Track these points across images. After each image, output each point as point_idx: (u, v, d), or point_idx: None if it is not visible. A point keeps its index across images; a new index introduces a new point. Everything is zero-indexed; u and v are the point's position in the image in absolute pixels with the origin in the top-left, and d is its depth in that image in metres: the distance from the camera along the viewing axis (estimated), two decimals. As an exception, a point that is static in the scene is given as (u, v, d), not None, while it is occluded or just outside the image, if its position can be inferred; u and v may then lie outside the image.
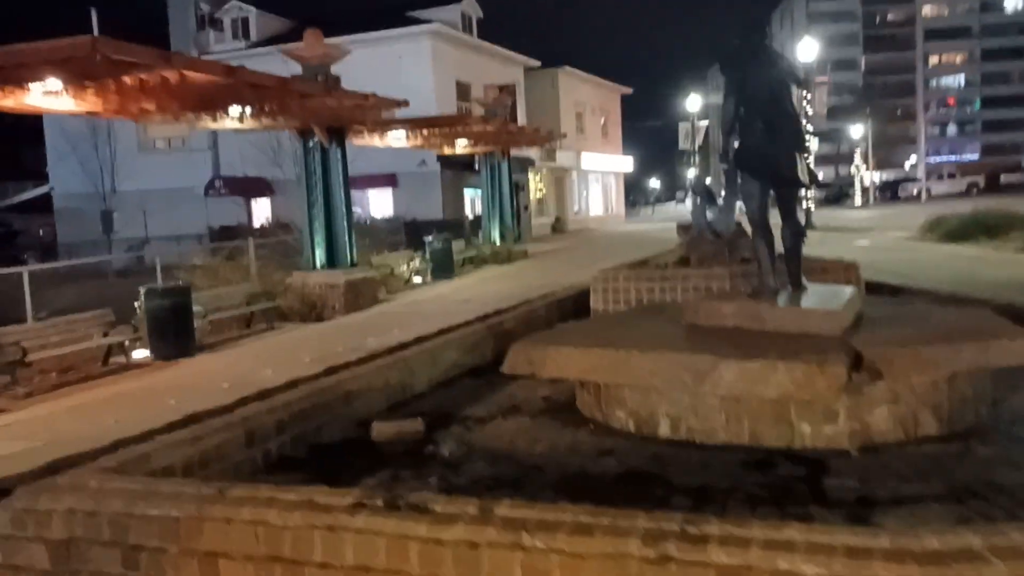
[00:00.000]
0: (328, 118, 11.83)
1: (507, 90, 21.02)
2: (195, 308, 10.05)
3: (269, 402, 4.20)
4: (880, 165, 70.82)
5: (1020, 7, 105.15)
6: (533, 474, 3.63)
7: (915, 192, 57.04)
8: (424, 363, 5.51)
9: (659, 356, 3.78)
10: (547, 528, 2.32)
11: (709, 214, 8.50)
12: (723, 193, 8.87)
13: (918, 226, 17.88)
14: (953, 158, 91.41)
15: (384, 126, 13.73)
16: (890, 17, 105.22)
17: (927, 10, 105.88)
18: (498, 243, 19.79)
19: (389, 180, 23.87)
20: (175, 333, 9.52)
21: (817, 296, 4.48)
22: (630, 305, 7.63)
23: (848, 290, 4.65)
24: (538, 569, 2.27)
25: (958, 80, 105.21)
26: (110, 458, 3.33)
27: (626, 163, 42.49)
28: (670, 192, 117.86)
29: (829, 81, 32.13)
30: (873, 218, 30.74)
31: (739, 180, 4.67)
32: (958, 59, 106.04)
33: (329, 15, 27.10)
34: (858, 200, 52.93)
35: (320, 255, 13.21)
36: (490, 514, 2.43)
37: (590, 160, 36.33)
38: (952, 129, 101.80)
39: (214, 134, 23.60)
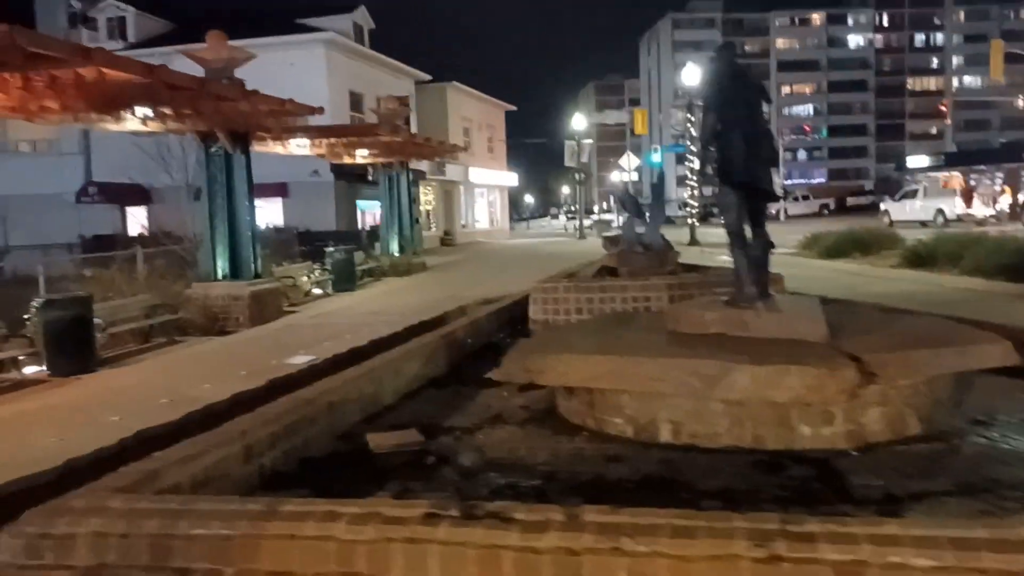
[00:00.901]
0: (236, 123, 11.41)
1: (403, 102, 20.88)
2: (95, 320, 9.43)
3: (259, 415, 3.97)
4: (741, 187, 74.70)
5: (862, 43, 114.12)
6: (550, 482, 3.61)
7: (774, 212, 60.44)
8: (390, 374, 5.37)
9: (667, 362, 3.85)
10: (646, 532, 2.31)
11: (638, 228, 8.74)
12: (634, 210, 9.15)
13: (795, 243, 18.98)
14: (803, 181, 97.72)
15: (289, 133, 13.34)
16: (747, 48, 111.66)
17: (780, 43, 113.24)
18: (397, 255, 19.57)
19: (280, 190, 23.18)
20: (75, 347, 8.94)
21: (790, 304, 4.69)
22: (570, 316, 7.72)
23: (813, 299, 4.89)
24: (645, 574, 2.26)
25: (808, 109, 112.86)
26: (115, 477, 3.06)
27: (511, 178, 43.00)
28: (543, 208, 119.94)
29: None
30: (745, 236, 32.33)
31: (718, 192, 4.82)
32: (807, 90, 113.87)
33: (213, 19, 26.06)
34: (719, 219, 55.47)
35: (222, 265, 12.71)
36: (579, 520, 2.40)
37: (477, 175, 36.60)
38: (802, 154, 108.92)
39: (86, 137, 22.23)
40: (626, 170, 32.24)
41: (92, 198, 23.31)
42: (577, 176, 36.18)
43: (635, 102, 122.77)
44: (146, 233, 20.71)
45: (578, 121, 33.12)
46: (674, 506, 2.89)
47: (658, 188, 9.00)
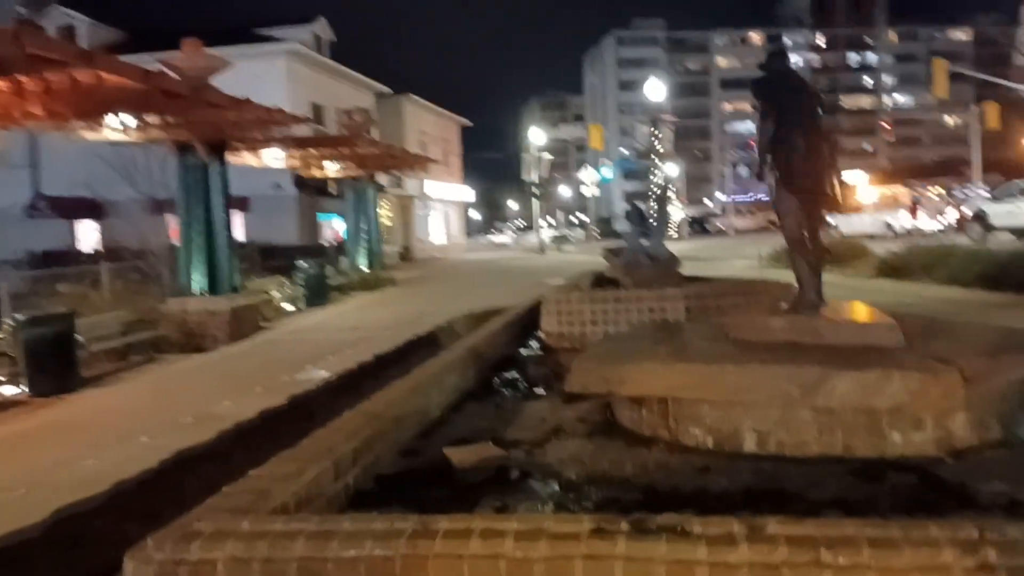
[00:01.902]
0: (215, 132, 11.08)
1: (368, 114, 20.59)
2: (77, 338, 9.03)
3: (336, 431, 3.77)
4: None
5: (800, 63, 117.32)
6: (651, 495, 3.49)
7: (722, 227, 61.63)
8: (436, 388, 5.19)
9: (759, 370, 3.77)
10: (843, 544, 2.22)
11: (643, 240, 8.70)
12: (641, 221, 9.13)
13: (760, 255, 19.25)
14: (742, 197, 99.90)
15: (266, 144, 13.02)
16: (690, 66, 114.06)
17: (721, 61, 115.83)
18: (365, 270, 19.25)
19: (240, 203, 22.62)
20: (57, 366, 8.54)
21: (852, 311, 4.68)
22: (584, 327, 7.63)
23: (870, 307, 4.88)
24: (853, 586, 2.17)
25: (748, 126, 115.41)
26: (223, 498, 2.84)
27: (467, 193, 42.90)
28: (490, 224, 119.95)
29: (675, 119, 34.08)
30: (700, 249, 32.75)
31: (776, 197, 4.78)
32: (748, 107, 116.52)
33: (166, 29, 25.46)
34: (674, 234, 56.33)
35: (199, 280, 12.31)
36: (764, 532, 2.30)
37: (434, 189, 36.39)
38: (743, 170, 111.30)
39: (34, 150, 21.38)
40: (586, 184, 32.40)
41: (42, 212, 22.40)
42: (535, 190, 36.29)
43: (579, 118, 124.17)
44: (101, 248, 20.01)
45: (535, 135, 33.22)
46: (795, 515, 2.81)
47: (661, 200, 8.99)
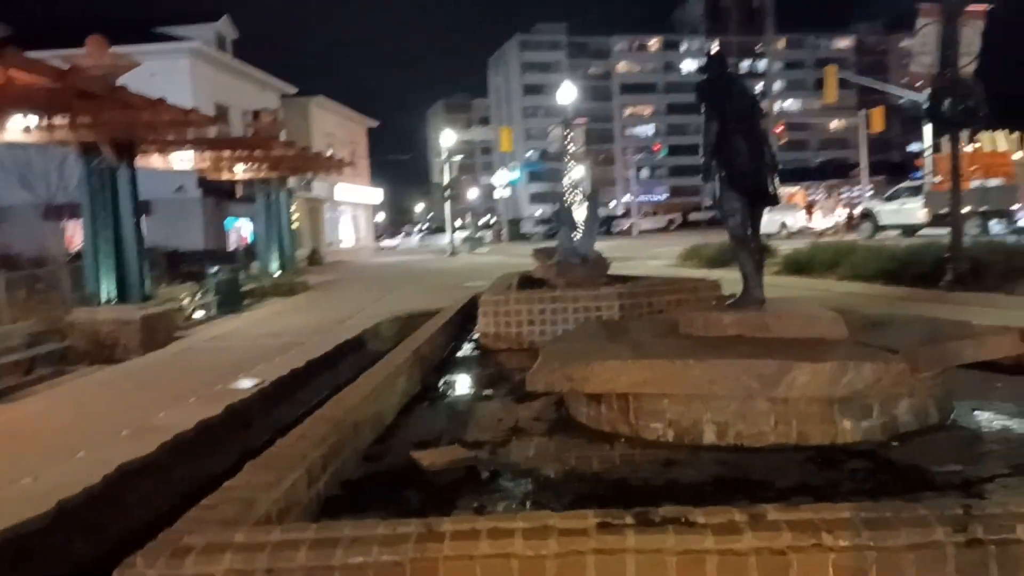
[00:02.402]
0: (125, 133, 10.62)
1: (276, 115, 20.07)
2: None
3: (302, 437, 3.67)
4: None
5: (695, 68, 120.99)
6: (627, 490, 3.55)
7: (627, 227, 62.94)
8: (387, 392, 5.12)
9: (719, 364, 3.89)
10: (842, 526, 2.31)
11: (573, 239, 8.82)
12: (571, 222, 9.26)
13: (675, 254, 19.78)
14: (646, 198, 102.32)
15: (177, 146, 12.54)
16: (592, 71, 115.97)
17: (621, 67, 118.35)
18: (277, 275, 18.78)
19: (142, 207, 21.69)
20: (-39, 380, 8.02)
21: (794, 306, 4.87)
22: (521, 328, 7.68)
23: (805, 301, 5.09)
24: (853, 568, 2.26)
25: (648, 130, 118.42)
26: (206, 510, 2.73)
27: (376, 195, 42.40)
28: (395, 227, 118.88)
29: (586, 123, 34.61)
30: (611, 249, 33.38)
31: (720, 197, 4.93)
32: (648, 111, 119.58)
33: (57, 26, 24.21)
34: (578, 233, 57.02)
35: (107, 288, 11.77)
36: (765, 518, 2.38)
37: (343, 191, 35.81)
38: (645, 172, 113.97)
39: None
40: (498, 186, 32.53)
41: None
42: (446, 192, 36.20)
43: (484, 121, 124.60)
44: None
45: (446, 137, 33.15)
46: (769, 502, 2.91)
47: (592, 200, 9.15)
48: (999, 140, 27.45)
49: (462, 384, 6.20)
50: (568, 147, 22.95)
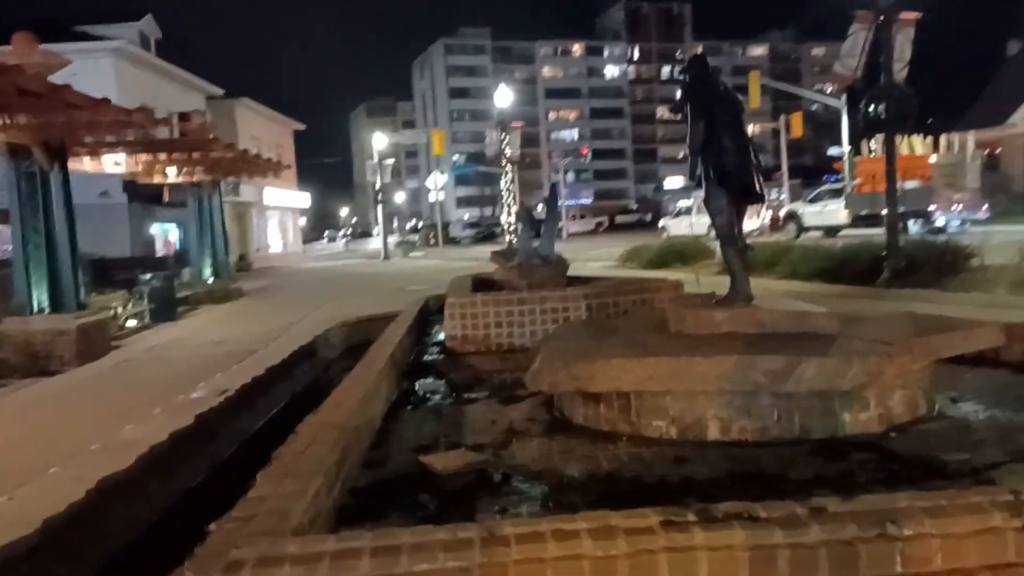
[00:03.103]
0: (62, 134, 10.14)
1: (206, 116, 19.45)
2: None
3: (319, 444, 3.53)
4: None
5: (617, 74, 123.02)
6: (645, 488, 3.54)
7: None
8: (376, 397, 5.00)
9: (727, 360, 3.92)
10: (905, 515, 2.35)
11: (534, 241, 8.81)
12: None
13: (614, 256, 20.00)
14: (573, 201, 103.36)
15: (111, 148, 12.02)
16: (517, 75, 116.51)
17: (546, 71, 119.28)
18: (211, 281, 18.22)
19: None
20: None
21: (782, 303, 4.96)
22: (489, 330, 7.61)
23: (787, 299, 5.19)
24: (918, 556, 2.29)
25: (573, 134, 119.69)
26: (240, 522, 2.59)
27: (304, 199, 41.61)
28: (319, 231, 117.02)
29: (523, 126, 34.68)
30: (544, 253, 33.59)
31: (706, 197, 4.98)
32: (572, 116, 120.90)
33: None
34: (509, 237, 57.31)
35: (39, 296, 11.23)
36: (826, 512, 2.40)
37: (271, 195, 35.02)
38: (571, 176, 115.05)
39: None
40: (432, 189, 32.34)
41: None
42: (379, 196, 35.74)
43: (409, 124, 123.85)
44: None
45: (378, 140, 32.75)
46: (789, 496, 2.95)
47: (551, 201, 9.16)
48: (916, 144, 28.69)
49: (440, 388, 6.10)
50: (505, 150, 23.00)
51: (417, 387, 6.15)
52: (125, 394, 8.13)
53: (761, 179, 5.01)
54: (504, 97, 25.59)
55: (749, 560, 2.27)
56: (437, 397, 5.76)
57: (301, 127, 41.84)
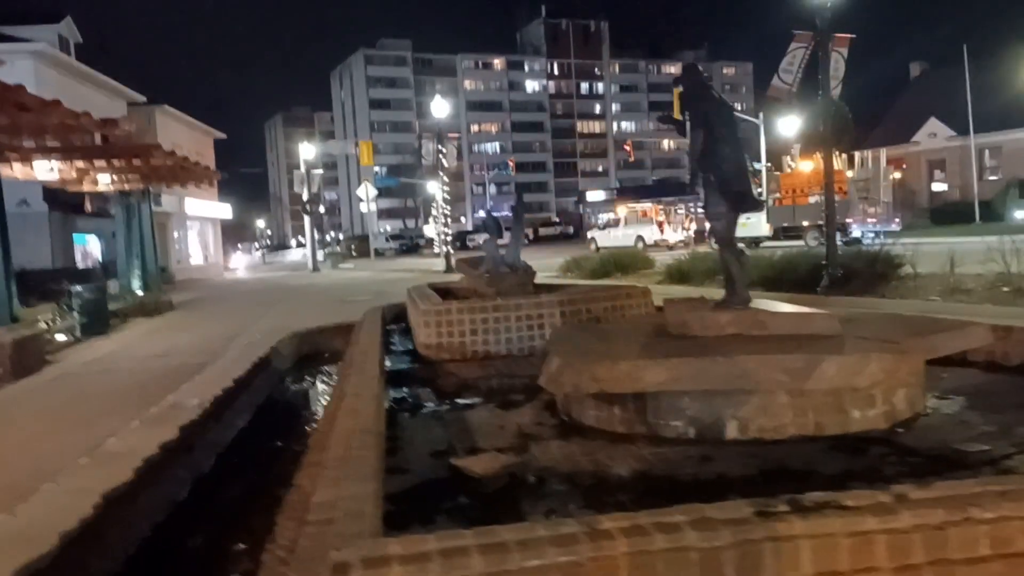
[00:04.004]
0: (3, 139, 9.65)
1: (133, 122, 18.76)
2: None
3: (368, 449, 3.45)
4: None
5: (538, 88, 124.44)
6: (682, 486, 3.59)
7: (481, 241, 63.51)
8: (381, 405, 4.90)
9: (747, 360, 4.02)
10: (983, 500, 2.45)
11: (501, 249, 8.83)
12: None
13: (554, 267, 20.16)
14: (496, 214, 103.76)
15: (45, 153, 11.48)
16: (438, 87, 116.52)
17: (467, 84, 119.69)
18: (140, 293, 17.54)
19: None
20: None
21: (782, 306, 5.12)
22: (464, 338, 7.58)
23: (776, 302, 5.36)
24: (1003, 538, 2.40)
25: (495, 147, 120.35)
26: (321, 525, 2.51)
27: (225, 210, 40.53)
28: (232, 243, 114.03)
29: (458, 138, 34.61)
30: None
31: (705, 203, 5.10)
32: (494, 128, 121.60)
33: None
34: (437, 249, 57.09)
35: (-31, 309, 10.64)
36: (908, 499, 2.49)
37: (192, 206, 33.98)
38: (492, 189, 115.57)
39: None
40: (364, 200, 31.99)
41: None
42: (307, 207, 35.09)
43: (327, 134, 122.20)
44: None
45: (306, 150, 32.17)
46: (831, 489, 3.04)
47: (517, 209, 9.20)
48: (833, 159, 29.92)
49: (429, 395, 6.04)
50: (442, 161, 22.90)
51: (406, 395, 6.08)
52: (75, 409, 7.77)
53: (756, 185, 5.17)
54: (440, 108, 25.55)
55: (849, 547, 2.34)
56: (431, 404, 5.70)
57: (222, 136, 40.81)
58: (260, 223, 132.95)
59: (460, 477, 3.79)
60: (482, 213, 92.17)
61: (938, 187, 46.64)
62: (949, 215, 38.91)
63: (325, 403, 8.20)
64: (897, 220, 30.20)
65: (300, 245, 79.74)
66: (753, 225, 30.20)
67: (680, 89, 5.30)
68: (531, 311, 7.63)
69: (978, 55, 40.51)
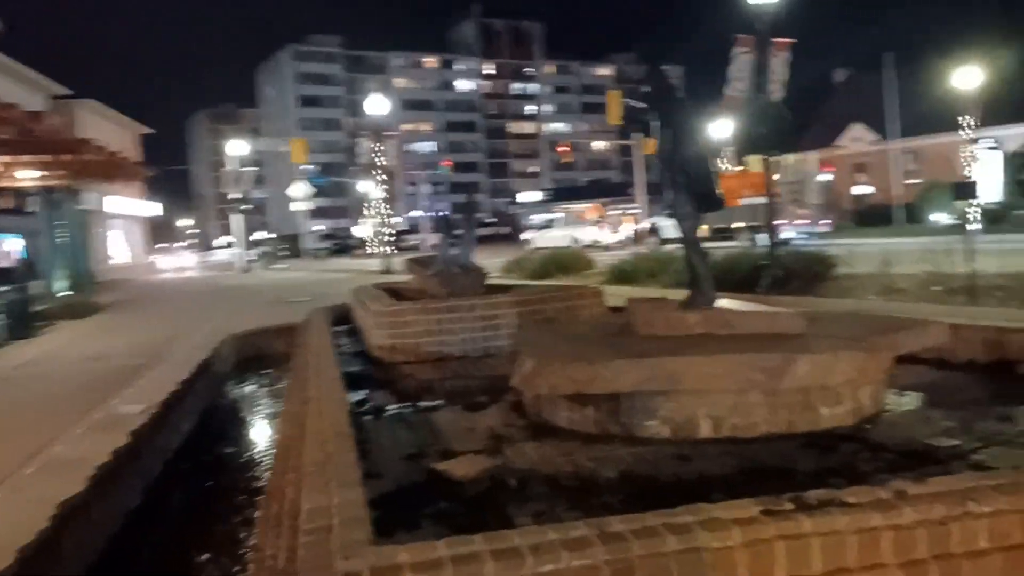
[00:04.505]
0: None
1: (59, 116, 18.02)
2: None
3: (348, 452, 3.34)
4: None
5: (471, 88, 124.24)
6: (667, 486, 3.58)
7: (416, 242, 63.12)
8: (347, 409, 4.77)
9: (724, 359, 4.04)
10: (978, 495, 2.51)
11: (453, 249, 8.73)
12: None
13: (495, 267, 20.13)
14: (431, 214, 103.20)
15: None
16: (370, 85, 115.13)
17: (399, 82, 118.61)
18: (66, 295, 16.83)
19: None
20: None
21: (743, 304, 5.17)
22: (419, 339, 7.47)
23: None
24: (1002, 531, 2.45)
25: (429, 146, 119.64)
26: (320, 534, 2.40)
27: (153, 208, 39.27)
28: (155, 243, 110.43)
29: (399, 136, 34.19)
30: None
31: (673, 203, 5.12)
32: (427, 128, 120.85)
33: None
34: (370, 249, 56.46)
35: None
36: (906, 495, 2.53)
37: (115, 203, 32.79)
38: (427, 188, 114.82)
39: None
40: (297, 199, 31.30)
41: None
42: (241, 207, 34.21)
43: (254, 132, 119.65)
44: None
45: (237, 147, 31.29)
46: (813, 486, 3.08)
47: (468, 209, 9.12)
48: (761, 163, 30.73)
49: (390, 398, 5.91)
50: (377, 160, 22.56)
51: (365, 398, 5.94)
52: (11, 416, 7.38)
53: (720, 185, 5.22)
54: (377, 106, 25.23)
55: (857, 543, 2.35)
56: (393, 407, 5.58)
57: (150, 131, 39.50)
58: (186, 222, 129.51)
59: (438, 481, 3.71)
60: (416, 213, 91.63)
61: (862, 190, 48.30)
62: (872, 217, 40.36)
63: (276, 407, 8.00)
64: (826, 222, 31.18)
65: (228, 245, 77.80)
66: (687, 226, 30.75)
67: (647, 90, 5.30)
68: (486, 312, 7.57)
69: (899, 63, 42.11)
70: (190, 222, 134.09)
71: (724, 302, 5.12)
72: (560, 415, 4.60)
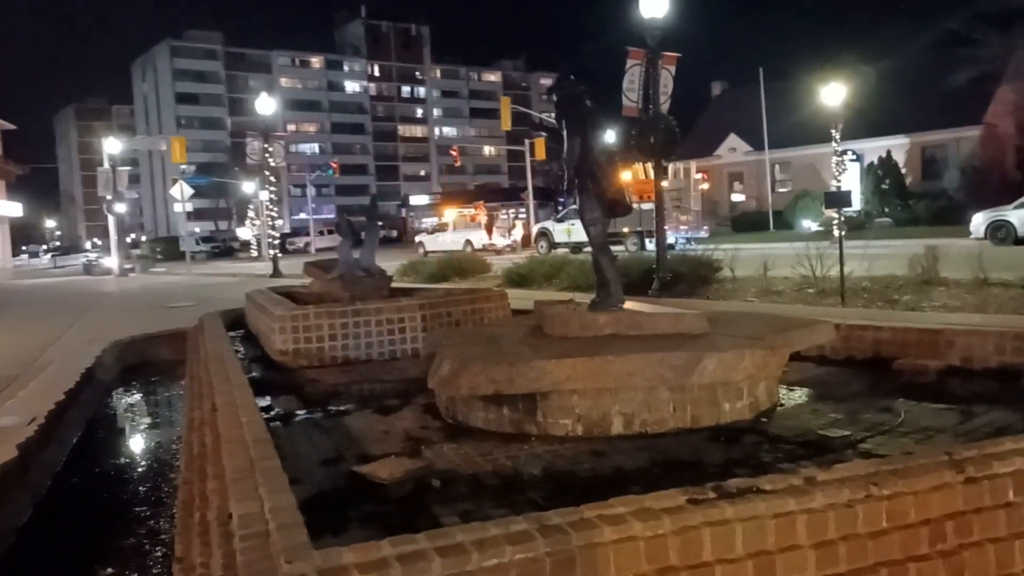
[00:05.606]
0: None
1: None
2: None
3: (271, 459, 3.28)
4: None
5: (358, 90, 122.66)
6: (586, 481, 3.70)
7: (302, 245, 61.83)
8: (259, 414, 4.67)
9: (637, 358, 4.21)
10: (879, 479, 2.73)
11: (355, 253, 8.66)
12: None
13: (390, 270, 19.99)
14: (316, 217, 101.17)
15: None
16: (252, 84, 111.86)
17: (284, 82, 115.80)
18: (-77, 299, 15.59)
19: None
20: None
21: (655, 307, 5.39)
22: (323, 344, 7.39)
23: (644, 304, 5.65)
24: (898, 512, 2.68)
25: (314, 148, 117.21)
26: (256, 540, 2.37)
27: (14, 208, 36.85)
28: (15, 245, 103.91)
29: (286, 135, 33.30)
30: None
31: (581, 208, 5.28)
32: (313, 129, 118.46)
33: None
34: (254, 252, 54.96)
35: None
36: (816, 480, 2.73)
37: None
38: (312, 191, 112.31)
39: None
40: (178, 200, 30.09)
41: None
42: (111, 207, 32.48)
43: (126, 129, 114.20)
44: None
45: (111, 145, 29.73)
46: (720, 477, 3.29)
47: (371, 211, 9.06)
48: (649, 169, 31.72)
49: (298, 403, 5.81)
50: (268, 160, 21.97)
51: (271, 403, 5.82)
52: None
53: (627, 191, 5.41)
54: (265, 105, 24.57)
55: (775, 527, 2.53)
56: (302, 412, 5.50)
57: (11, 127, 37.01)
58: (50, 223, 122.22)
59: (360, 484, 3.70)
60: (304, 215, 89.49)
61: (737, 197, 50.57)
62: (747, 223, 42.33)
63: (169, 415, 7.72)
64: (706, 228, 32.47)
65: (96, 247, 73.62)
66: (577, 231, 31.40)
67: (555, 98, 5.43)
68: (392, 315, 7.55)
69: (772, 77, 44.39)
70: (56, 224, 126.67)
71: (629, 304, 5.32)
72: (476, 416, 4.66)
